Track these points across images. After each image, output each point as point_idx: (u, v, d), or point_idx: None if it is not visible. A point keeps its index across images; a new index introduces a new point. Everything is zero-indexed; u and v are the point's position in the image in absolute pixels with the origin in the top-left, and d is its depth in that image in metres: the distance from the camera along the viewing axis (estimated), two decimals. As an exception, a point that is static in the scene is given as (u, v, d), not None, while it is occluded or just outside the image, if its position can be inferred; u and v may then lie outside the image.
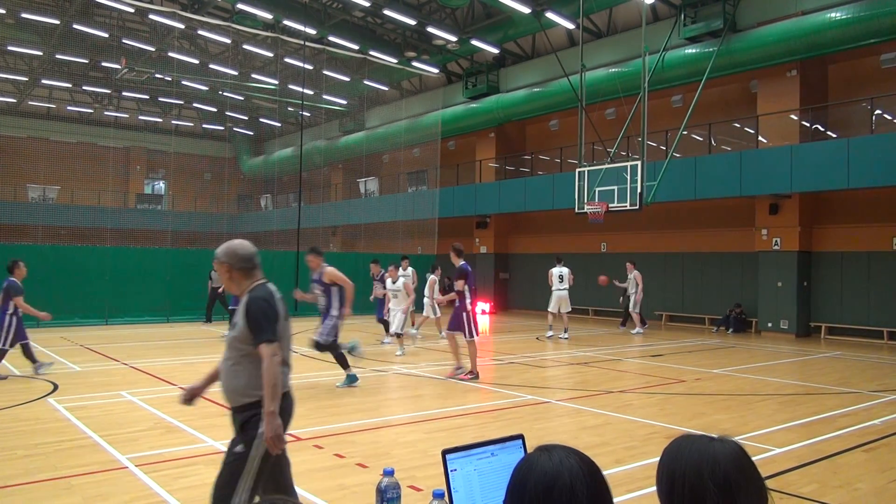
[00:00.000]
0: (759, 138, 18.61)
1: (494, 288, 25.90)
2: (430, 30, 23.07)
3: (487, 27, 23.44)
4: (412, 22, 22.68)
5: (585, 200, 17.29)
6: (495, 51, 23.93)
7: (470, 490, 1.95)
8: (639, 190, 16.07)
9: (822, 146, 16.30)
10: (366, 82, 28.27)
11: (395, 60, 25.68)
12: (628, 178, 16.37)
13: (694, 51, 18.69)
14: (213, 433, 6.66)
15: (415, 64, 25.90)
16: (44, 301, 16.32)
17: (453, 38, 23.80)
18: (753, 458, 1.45)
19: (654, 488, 1.50)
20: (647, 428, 7.20)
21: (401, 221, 26.53)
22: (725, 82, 19.40)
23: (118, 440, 6.38)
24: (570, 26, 20.65)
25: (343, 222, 31.08)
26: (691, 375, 10.91)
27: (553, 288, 16.56)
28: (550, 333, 16.43)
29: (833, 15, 15.83)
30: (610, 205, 16.81)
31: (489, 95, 25.20)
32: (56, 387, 9.07)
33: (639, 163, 16.11)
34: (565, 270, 16.59)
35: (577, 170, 17.67)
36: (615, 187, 16.72)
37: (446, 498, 1.93)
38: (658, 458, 1.49)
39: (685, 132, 18.06)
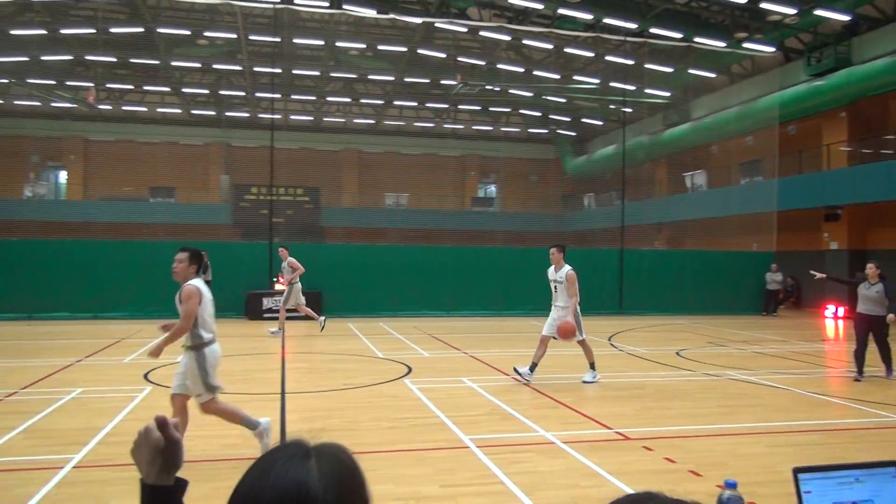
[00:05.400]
0: None
1: (849, 289, 22.62)
2: (764, 5, 21.08)
3: (836, -8, 20.60)
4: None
5: (974, 184, 14.18)
6: (846, 18, 20.90)
7: (831, 517, 1.75)
8: None
9: None
10: (690, 71, 26.94)
11: (724, 44, 24.02)
12: None
13: None
14: (545, 423, 6.97)
15: (746, 45, 23.92)
16: (395, 294, 19.02)
17: (792, 11, 21.42)
18: None
19: None
20: None
21: (733, 216, 24.74)
22: None
23: (461, 421, 7.04)
24: (950, -26, 17.13)
25: (668, 219, 30.06)
26: None
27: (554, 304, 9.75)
28: (524, 370, 9.38)
29: None
30: None
31: (837, 70, 22.09)
32: (410, 369, 10.36)
33: None
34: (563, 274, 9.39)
35: (962, 147, 14.58)
36: None
37: (802, 521, 1.75)
38: None
39: None
